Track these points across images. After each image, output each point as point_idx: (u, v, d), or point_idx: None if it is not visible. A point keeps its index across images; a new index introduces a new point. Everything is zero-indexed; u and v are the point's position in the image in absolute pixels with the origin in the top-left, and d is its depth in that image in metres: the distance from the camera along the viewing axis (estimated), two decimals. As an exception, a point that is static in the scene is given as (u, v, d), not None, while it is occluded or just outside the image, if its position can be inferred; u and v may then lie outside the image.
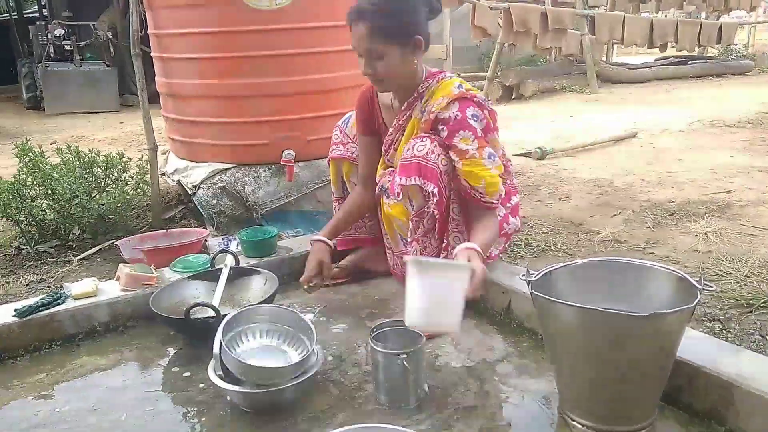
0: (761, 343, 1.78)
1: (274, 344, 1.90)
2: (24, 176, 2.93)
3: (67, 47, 9.28)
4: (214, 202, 2.92)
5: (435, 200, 1.95)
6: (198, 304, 2.03)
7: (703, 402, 1.55)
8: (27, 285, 2.52)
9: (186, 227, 3.04)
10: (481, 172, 1.94)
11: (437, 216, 2.01)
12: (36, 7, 13.40)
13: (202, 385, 1.84)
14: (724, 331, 1.85)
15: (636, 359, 1.45)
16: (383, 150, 2.28)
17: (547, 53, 8.33)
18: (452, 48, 7.93)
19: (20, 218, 2.83)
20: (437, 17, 2.06)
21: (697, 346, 1.61)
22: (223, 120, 2.92)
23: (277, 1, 2.73)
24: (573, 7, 8.28)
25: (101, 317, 2.19)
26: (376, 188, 2.28)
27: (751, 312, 1.94)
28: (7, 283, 2.55)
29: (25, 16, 12.85)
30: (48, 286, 2.49)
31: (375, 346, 1.69)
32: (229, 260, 2.29)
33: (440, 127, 1.96)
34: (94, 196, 2.92)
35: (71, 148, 3.10)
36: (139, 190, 3.15)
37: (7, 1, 12.68)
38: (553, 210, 3.09)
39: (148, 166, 3.11)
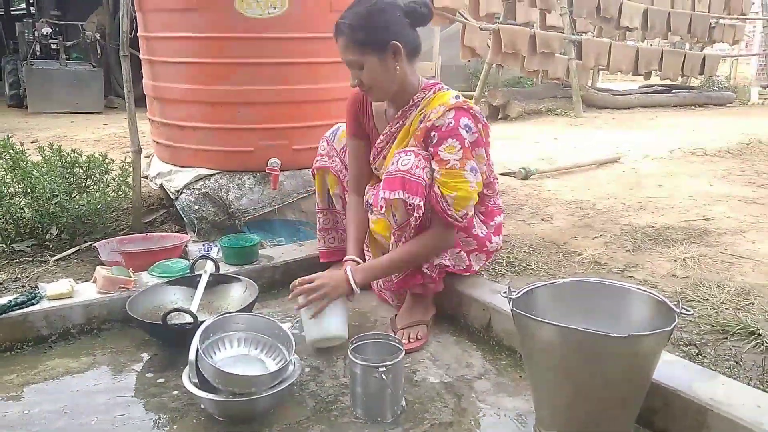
0: (735, 369, 1.79)
1: (252, 353, 1.88)
2: (3, 173, 2.89)
3: (54, 46, 9.20)
4: (197, 207, 2.90)
5: (420, 213, 1.95)
6: (175, 310, 2.01)
7: (678, 425, 1.56)
8: (1, 284, 2.47)
9: (167, 232, 3.01)
10: (458, 184, 1.93)
11: (420, 230, 2.01)
12: (24, 4, 13.26)
13: (175, 392, 1.82)
14: (699, 356, 1.87)
15: (613, 380, 1.46)
16: (372, 158, 2.27)
17: (534, 76, 8.42)
18: (441, 66, 8.01)
19: (-3, 216, 2.79)
20: (426, 24, 2.06)
21: (673, 370, 1.63)
22: (209, 125, 2.91)
23: (269, 10, 2.73)
24: (561, 32, 8.39)
25: (76, 319, 2.16)
26: (364, 203, 2.27)
27: (726, 338, 1.96)
28: (-19, 281, 2.50)
29: (13, 13, 12.71)
30: (22, 286, 2.45)
31: (353, 358, 1.68)
32: (209, 266, 2.27)
33: (432, 134, 1.97)
34: (74, 197, 2.88)
35: (53, 147, 3.06)
36: (120, 192, 3.12)
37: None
38: (535, 230, 3.10)
39: (131, 169, 3.08)
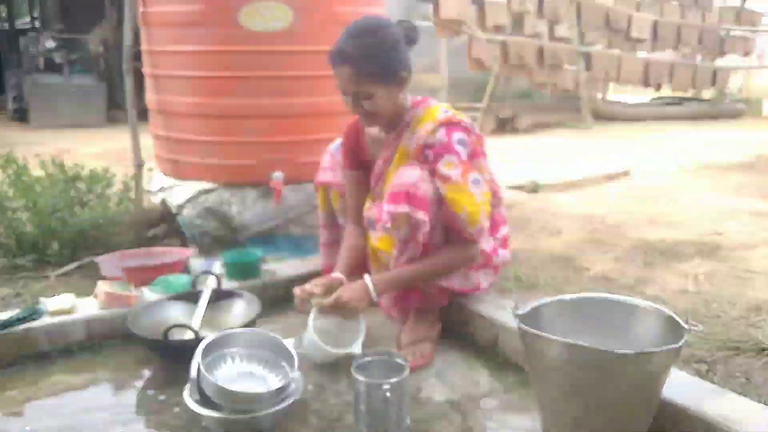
0: (746, 386, 1.75)
1: (254, 370, 1.86)
2: (6, 188, 2.89)
3: (57, 60, 9.24)
4: (199, 222, 2.88)
5: (426, 228, 1.92)
6: (177, 325, 1.98)
7: (689, 445, 1.52)
8: (2, 299, 2.45)
9: (169, 247, 2.99)
10: (463, 200, 1.91)
11: (423, 245, 1.97)
12: (28, 18, 13.38)
13: (176, 409, 1.80)
14: (710, 373, 1.82)
15: (621, 397, 1.43)
16: (372, 183, 2.24)
17: (542, 88, 8.40)
18: (448, 78, 8.00)
19: (-1, 230, 2.78)
20: (416, 44, 2.04)
21: (682, 387, 1.59)
22: (212, 139, 2.89)
23: (273, 24, 2.73)
24: (570, 44, 8.37)
25: (77, 335, 2.15)
26: (364, 221, 2.24)
27: (737, 355, 1.91)
28: (-18, 296, 2.49)
29: (17, 27, 12.79)
30: (24, 301, 2.43)
31: (357, 376, 1.65)
32: (211, 282, 2.25)
33: (427, 153, 1.95)
34: (76, 211, 2.87)
35: (55, 161, 3.06)
36: (122, 206, 3.11)
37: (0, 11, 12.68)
38: (544, 244, 3.07)
39: (133, 183, 3.08)
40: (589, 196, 4.16)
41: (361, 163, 2.28)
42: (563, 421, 1.53)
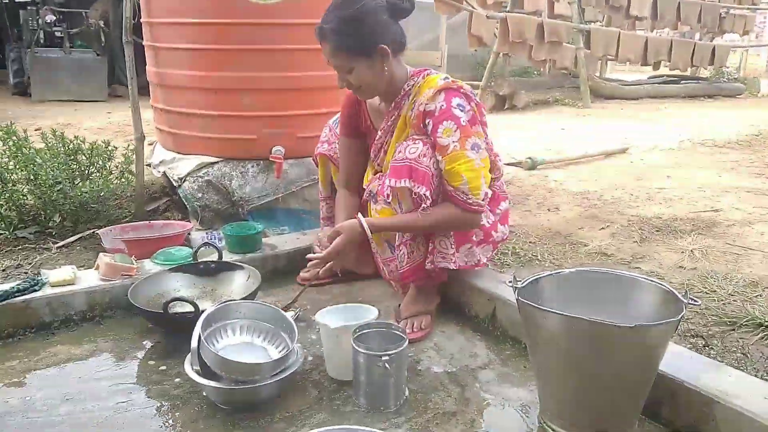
0: (743, 361, 1.77)
1: (255, 341, 1.87)
2: (6, 160, 2.88)
3: (58, 34, 9.16)
4: (200, 195, 2.89)
5: (428, 203, 1.92)
6: (176, 299, 2.00)
7: (684, 417, 1.54)
8: (3, 270, 2.46)
9: (169, 219, 3.00)
10: (461, 167, 1.90)
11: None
12: (28, -9, 13.19)
13: (177, 380, 1.82)
14: (706, 348, 1.85)
15: (619, 370, 1.44)
16: (372, 155, 2.25)
17: (541, 65, 8.33)
18: (447, 55, 7.95)
19: (0, 202, 2.78)
20: (408, 15, 2.02)
21: (679, 361, 1.61)
22: (212, 112, 2.89)
23: (274, -4, 2.70)
24: (569, 21, 8.31)
25: (78, 306, 2.16)
26: (365, 193, 2.25)
27: (734, 330, 1.93)
28: (-16, 267, 2.50)
29: (17, 0, 12.63)
30: (25, 273, 2.44)
31: (357, 347, 1.67)
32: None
33: (427, 121, 1.95)
34: (77, 184, 2.86)
35: (56, 134, 3.05)
36: (123, 179, 3.11)
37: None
38: (542, 220, 3.08)
39: (134, 156, 3.07)
40: (586, 173, 4.17)
41: (358, 133, 2.29)
42: (561, 392, 1.54)
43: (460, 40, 7.53)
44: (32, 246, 2.71)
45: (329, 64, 2.02)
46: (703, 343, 1.87)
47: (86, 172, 3.00)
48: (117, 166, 3.12)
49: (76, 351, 1.98)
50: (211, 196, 2.89)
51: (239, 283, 2.26)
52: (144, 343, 2.05)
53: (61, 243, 2.73)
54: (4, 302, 2.03)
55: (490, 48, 7.58)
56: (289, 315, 1.89)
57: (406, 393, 1.72)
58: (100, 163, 3.04)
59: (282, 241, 2.68)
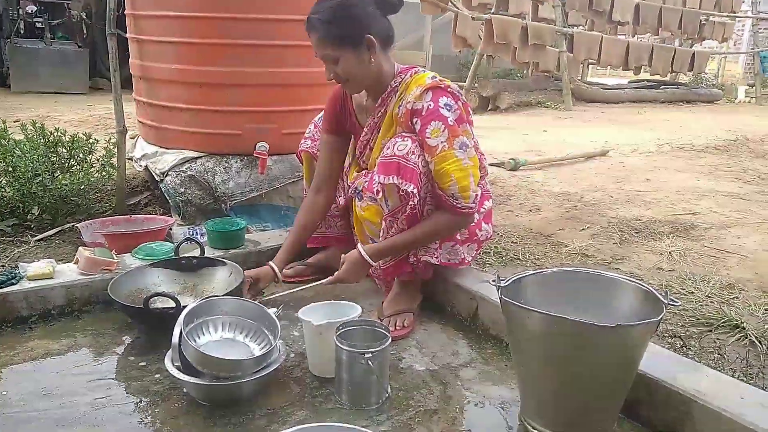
0: (720, 361, 1.80)
1: (236, 338, 1.86)
2: (-16, 152, 2.84)
3: (39, 25, 9.05)
4: (182, 190, 2.86)
5: (415, 201, 1.93)
6: (158, 294, 1.98)
7: (662, 416, 1.56)
8: (-20, 263, 2.43)
9: (151, 214, 2.97)
10: (450, 167, 1.90)
11: (412, 216, 1.98)
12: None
13: (157, 376, 1.80)
14: (684, 348, 1.87)
15: (600, 370, 1.46)
16: (357, 152, 2.25)
17: (525, 67, 8.42)
18: (431, 56, 7.97)
19: (-23, 194, 2.74)
20: (397, 11, 2.04)
21: (658, 361, 1.63)
22: (196, 107, 2.85)
23: (260, -9, 2.69)
24: (553, 24, 8.38)
25: (56, 300, 2.13)
26: (350, 190, 2.25)
27: (711, 331, 1.96)
28: (-41, 260, 2.46)
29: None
30: (2, 266, 2.40)
31: (339, 344, 1.66)
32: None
33: (414, 120, 1.95)
34: (57, 176, 2.83)
35: (36, 126, 3.01)
36: (104, 173, 3.07)
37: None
38: (523, 221, 3.10)
39: (115, 149, 3.04)
40: (567, 175, 4.20)
41: (341, 130, 2.29)
42: (542, 391, 1.55)
43: (445, 40, 7.55)
44: (10, 239, 2.67)
45: (317, 56, 2.02)
46: (681, 343, 1.90)
47: (66, 164, 2.96)
48: (98, 160, 3.09)
49: (54, 346, 1.96)
50: (194, 191, 2.87)
51: (221, 279, 2.24)
52: (124, 338, 2.03)
53: (40, 236, 2.69)
54: (-20, 295, 2.00)
55: (474, 49, 7.62)
56: (272, 311, 1.88)
57: (389, 391, 1.72)
58: (81, 155, 3.01)
59: (265, 237, 2.67)
